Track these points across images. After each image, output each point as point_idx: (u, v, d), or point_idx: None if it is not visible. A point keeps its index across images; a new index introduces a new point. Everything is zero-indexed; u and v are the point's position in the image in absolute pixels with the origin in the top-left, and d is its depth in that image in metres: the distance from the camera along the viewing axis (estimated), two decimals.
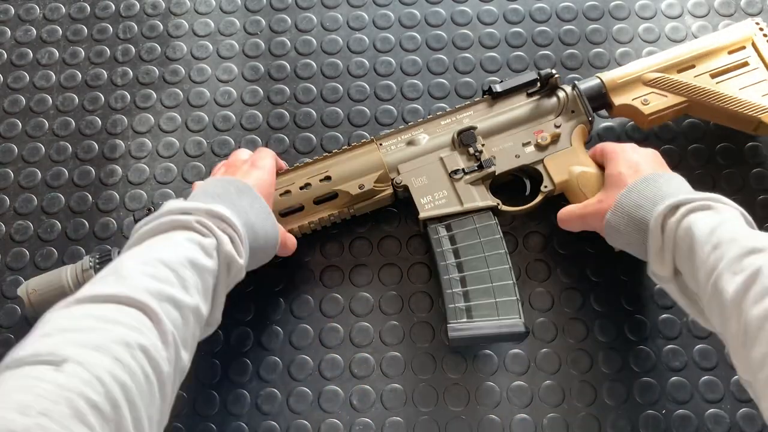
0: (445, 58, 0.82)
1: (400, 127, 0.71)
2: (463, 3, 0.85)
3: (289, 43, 0.84)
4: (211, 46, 0.85)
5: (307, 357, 0.69)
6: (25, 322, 0.72)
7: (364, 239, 0.73)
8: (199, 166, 0.78)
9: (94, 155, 0.80)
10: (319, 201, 0.69)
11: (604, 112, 0.73)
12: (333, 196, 0.69)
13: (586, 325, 0.69)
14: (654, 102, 0.69)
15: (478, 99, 0.72)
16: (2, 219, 0.77)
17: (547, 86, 0.70)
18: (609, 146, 0.67)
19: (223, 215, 0.55)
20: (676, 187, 0.59)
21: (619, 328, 0.69)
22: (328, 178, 0.68)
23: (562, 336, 0.69)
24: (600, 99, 0.70)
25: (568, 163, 0.68)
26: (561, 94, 0.70)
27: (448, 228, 0.66)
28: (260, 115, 0.81)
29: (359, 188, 0.68)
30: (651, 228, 0.56)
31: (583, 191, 0.67)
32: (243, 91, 0.82)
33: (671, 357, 0.67)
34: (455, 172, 0.68)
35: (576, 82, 0.70)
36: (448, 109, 0.71)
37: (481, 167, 0.68)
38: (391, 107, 0.80)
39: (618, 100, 0.70)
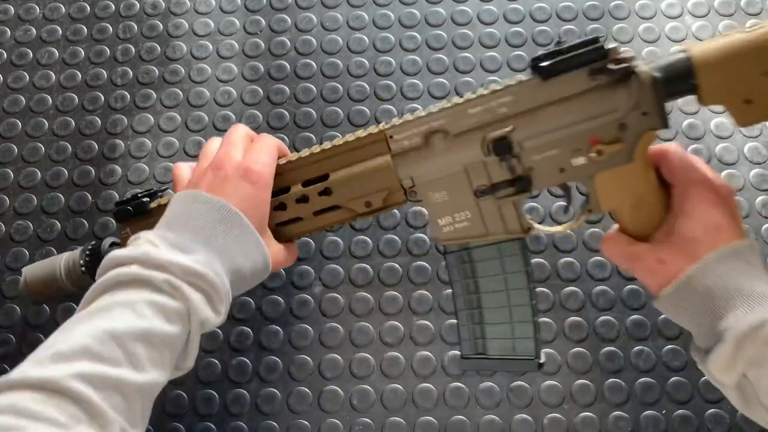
0: (445, 57, 0.82)
1: (417, 113, 0.52)
2: (463, 3, 0.85)
3: (289, 42, 0.84)
4: (210, 46, 0.85)
5: (307, 357, 0.69)
6: (24, 322, 0.72)
7: (364, 239, 0.73)
8: None
9: (94, 155, 0.79)
10: (320, 212, 0.57)
11: None
12: (335, 206, 0.56)
13: (587, 326, 0.69)
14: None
15: (520, 79, 0.50)
16: (2, 219, 0.77)
17: (620, 65, 0.48)
18: (681, 177, 0.51)
19: (200, 273, 0.48)
20: (760, 279, 0.49)
21: (619, 328, 0.69)
22: (328, 191, 0.55)
23: (562, 336, 0.69)
24: (684, 86, 0.48)
25: (626, 186, 0.51)
26: (635, 84, 0.48)
27: (469, 256, 0.56)
28: (260, 114, 0.80)
29: (366, 206, 0.55)
30: (726, 341, 0.48)
31: (635, 225, 0.52)
32: (243, 91, 0.82)
33: (672, 357, 0.67)
34: (482, 191, 0.53)
35: (655, 69, 0.47)
36: (479, 92, 0.51)
37: (513, 184, 0.52)
38: (391, 107, 0.80)
39: (711, 90, 0.48)
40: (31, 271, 0.59)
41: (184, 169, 0.58)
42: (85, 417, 0.42)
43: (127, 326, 0.46)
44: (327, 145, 0.55)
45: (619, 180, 0.51)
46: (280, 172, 0.56)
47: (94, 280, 0.56)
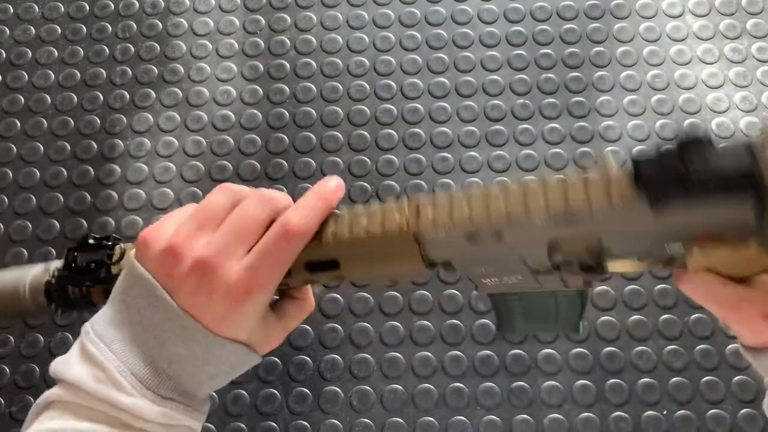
0: (445, 57, 0.82)
1: (460, 204, 0.36)
2: (464, 2, 0.85)
3: (288, 42, 0.84)
4: (210, 45, 0.84)
5: (307, 357, 0.69)
6: (24, 323, 0.71)
7: None
8: (198, 166, 0.78)
9: (93, 155, 0.79)
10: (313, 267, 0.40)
11: None
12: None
13: (587, 326, 0.69)
14: None
15: (617, 192, 0.33)
16: (1, 219, 0.77)
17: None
18: None
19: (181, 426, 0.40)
20: None
21: (620, 329, 0.69)
22: (340, 277, 0.40)
23: (563, 337, 0.68)
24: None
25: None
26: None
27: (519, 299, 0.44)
28: (260, 114, 0.80)
29: (390, 282, 0.41)
30: None
31: (728, 264, 0.37)
32: (242, 91, 0.81)
33: (672, 358, 0.67)
34: (539, 271, 0.38)
35: None
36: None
37: (583, 271, 0.38)
38: (391, 106, 0.79)
39: None
40: None
41: (194, 211, 0.42)
42: None
43: None
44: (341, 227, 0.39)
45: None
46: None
47: (55, 311, 0.48)
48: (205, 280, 0.37)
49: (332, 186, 0.38)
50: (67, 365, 0.39)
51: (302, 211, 0.37)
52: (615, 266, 0.39)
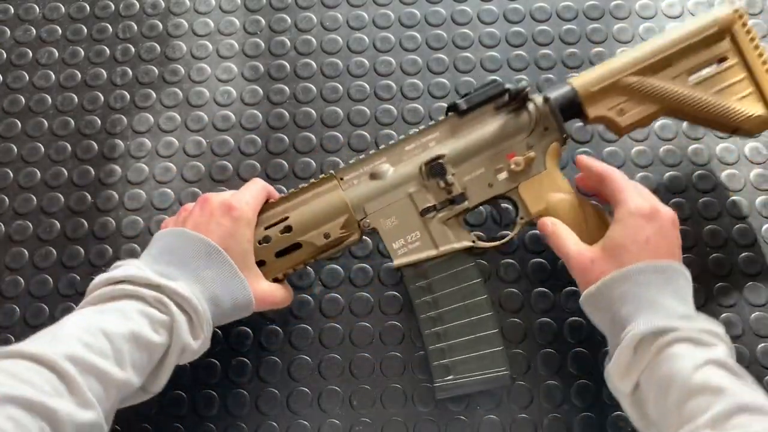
0: (445, 57, 0.82)
1: (360, 157, 0.64)
2: (463, 2, 0.85)
3: (288, 42, 0.84)
4: (210, 46, 0.84)
5: (307, 357, 0.69)
6: (24, 323, 0.71)
7: (364, 239, 0.73)
8: (198, 166, 0.78)
9: (94, 155, 0.79)
10: (282, 253, 0.62)
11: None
12: (296, 246, 0.62)
13: (587, 326, 0.69)
14: (630, 111, 0.63)
15: (443, 119, 0.64)
16: (1, 219, 0.77)
17: (516, 99, 0.62)
18: (620, 192, 0.58)
19: (184, 296, 0.53)
20: (676, 298, 0.52)
21: None
22: (288, 228, 0.62)
23: (562, 337, 0.69)
24: (573, 110, 0.63)
25: (545, 190, 0.62)
26: (532, 108, 0.63)
27: (425, 275, 0.62)
28: (260, 114, 0.80)
29: (324, 237, 0.62)
30: (624, 342, 0.51)
31: (572, 228, 0.61)
32: (243, 91, 0.82)
33: None
34: (426, 210, 0.62)
35: (547, 94, 0.63)
36: (411, 132, 0.64)
37: (453, 202, 0.62)
38: (391, 107, 0.79)
39: (593, 111, 0.63)
40: None
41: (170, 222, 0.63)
42: (67, 393, 0.46)
43: (118, 326, 0.50)
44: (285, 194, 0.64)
45: (540, 186, 0.62)
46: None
47: None
48: (203, 208, 0.59)
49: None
50: (110, 273, 0.56)
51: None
52: (486, 244, 0.64)
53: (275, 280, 0.62)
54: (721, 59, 0.64)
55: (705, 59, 0.64)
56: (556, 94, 0.63)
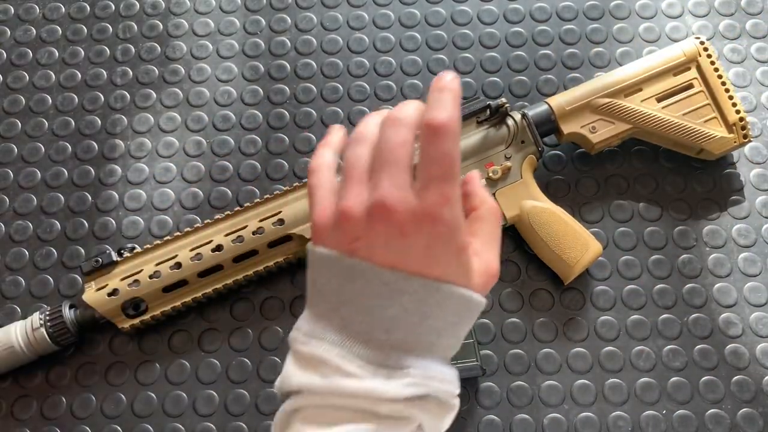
0: (445, 57, 0.82)
1: None
2: (463, 3, 0.85)
3: (289, 42, 0.84)
4: (210, 46, 0.85)
5: None
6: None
7: None
8: (198, 166, 0.78)
9: (94, 155, 0.79)
10: (273, 245, 0.67)
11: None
12: (286, 238, 0.67)
13: (587, 325, 0.69)
14: (602, 130, 0.70)
15: None
16: (1, 219, 0.77)
17: (497, 114, 0.68)
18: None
19: (422, 396, 0.35)
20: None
21: (619, 328, 0.69)
22: (281, 221, 0.67)
23: (562, 336, 0.69)
24: (548, 126, 0.70)
25: (520, 197, 0.68)
26: (510, 122, 0.69)
27: None
28: (260, 114, 0.80)
29: None
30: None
31: (533, 227, 0.67)
32: (243, 91, 0.82)
33: (672, 357, 0.67)
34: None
35: (525, 111, 0.69)
36: None
37: None
38: (392, 107, 0.79)
39: (567, 128, 0.70)
40: None
41: (325, 178, 0.40)
42: None
43: None
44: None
45: (515, 193, 0.68)
46: (235, 215, 0.69)
47: (61, 346, 0.65)
48: (389, 224, 0.34)
49: (449, 77, 0.37)
50: (288, 377, 0.37)
51: (438, 105, 0.36)
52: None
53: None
54: (688, 86, 0.71)
55: (672, 86, 0.71)
56: (533, 111, 0.70)
